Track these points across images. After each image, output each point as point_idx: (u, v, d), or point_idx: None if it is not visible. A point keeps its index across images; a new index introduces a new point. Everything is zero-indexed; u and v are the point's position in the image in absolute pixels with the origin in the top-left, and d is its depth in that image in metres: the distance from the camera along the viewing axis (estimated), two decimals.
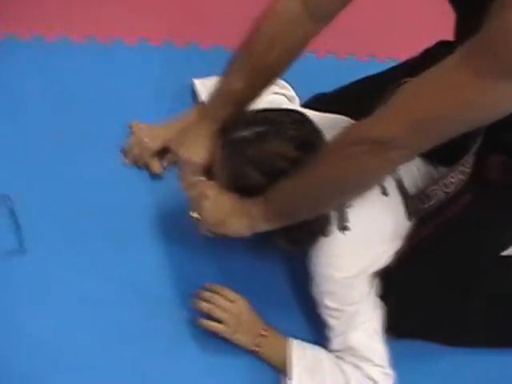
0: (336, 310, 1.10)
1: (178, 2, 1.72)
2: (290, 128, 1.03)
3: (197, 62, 1.58)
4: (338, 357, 1.13)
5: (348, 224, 1.07)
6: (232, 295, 1.17)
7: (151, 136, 1.38)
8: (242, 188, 1.03)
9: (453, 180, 1.14)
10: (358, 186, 0.98)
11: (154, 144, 1.37)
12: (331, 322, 1.12)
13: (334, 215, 1.06)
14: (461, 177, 1.15)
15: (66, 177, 1.34)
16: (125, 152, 1.39)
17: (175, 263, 1.26)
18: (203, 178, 1.08)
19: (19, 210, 1.25)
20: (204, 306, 1.16)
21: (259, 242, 1.16)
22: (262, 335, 1.15)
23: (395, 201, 1.12)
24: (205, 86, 1.46)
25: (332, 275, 1.09)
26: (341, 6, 1.01)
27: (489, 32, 0.76)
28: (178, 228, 1.28)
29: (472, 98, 0.79)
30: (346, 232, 1.07)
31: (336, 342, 1.12)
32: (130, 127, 1.41)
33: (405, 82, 0.91)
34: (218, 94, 1.09)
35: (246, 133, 1.02)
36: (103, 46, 1.56)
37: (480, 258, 1.17)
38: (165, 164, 1.38)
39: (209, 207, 1.05)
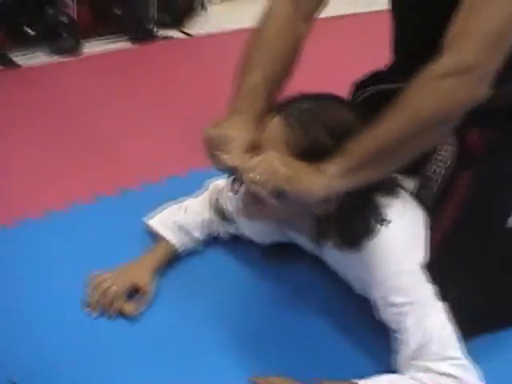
0: (405, 304, 1.08)
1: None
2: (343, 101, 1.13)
3: (131, 204, 1.56)
4: (411, 365, 1.08)
5: (387, 218, 1.09)
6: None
7: (116, 281, 1.28)
8: (310, 154, 1.03)
9: (446, 153, 1.17)
10: (444, 121, 0.99)
11: (122, 287, 1.28)
12: (402, 321, 1.08)
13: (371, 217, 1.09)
14: (450, 148, 1.18)
15: None
16: (89, 305, 1.27)
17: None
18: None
19: None
20: None
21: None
22: None
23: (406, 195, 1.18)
24: (161, 222, 1.43)
25: (392, 269, 1.09)
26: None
27: None
28: None
29: None
30: (390, 225, 1.09)
31: (412, 340, 1.07)
32: (91, 281, 1.29)
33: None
34: (244, 91, 1.13)
35: (309, 105, 1.08)
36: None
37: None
38: (139, 306, 1.28)
39: (281, 164, 1.00)
